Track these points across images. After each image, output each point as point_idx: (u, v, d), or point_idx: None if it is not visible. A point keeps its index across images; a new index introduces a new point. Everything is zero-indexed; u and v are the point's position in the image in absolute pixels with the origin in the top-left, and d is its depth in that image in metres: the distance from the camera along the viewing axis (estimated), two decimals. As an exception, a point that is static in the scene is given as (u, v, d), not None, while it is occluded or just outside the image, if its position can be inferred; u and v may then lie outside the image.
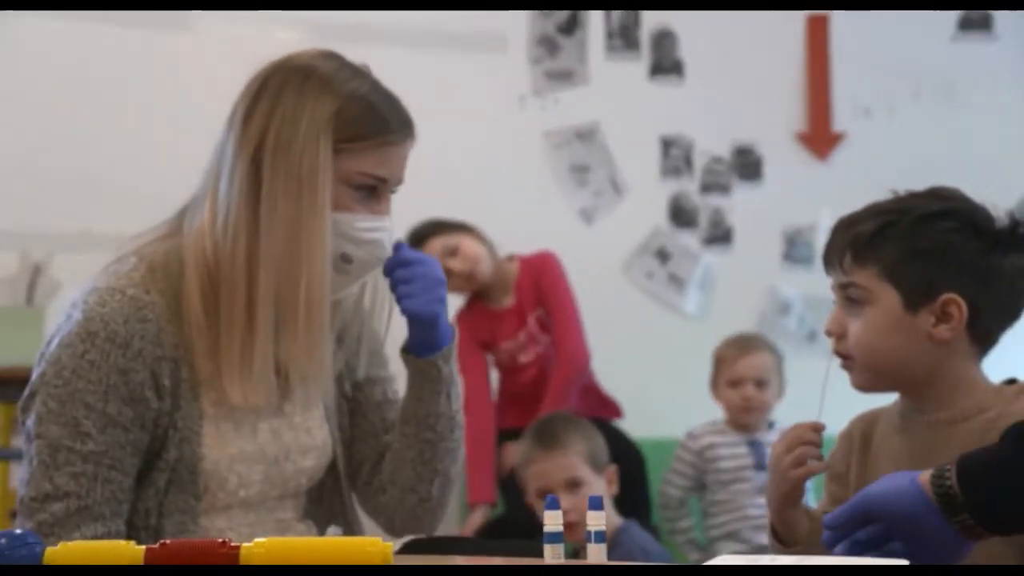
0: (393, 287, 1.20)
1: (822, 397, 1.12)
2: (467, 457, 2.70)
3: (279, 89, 1.16)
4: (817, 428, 1.10)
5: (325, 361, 1.18)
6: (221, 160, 1.17)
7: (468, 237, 2.69)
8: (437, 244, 2.69)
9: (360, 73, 1.19)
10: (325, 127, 1.14)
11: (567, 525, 1.99)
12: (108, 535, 1.12)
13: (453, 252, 2.67)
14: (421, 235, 2.71)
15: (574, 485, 2.03)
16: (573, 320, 2.70)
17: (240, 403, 1.15)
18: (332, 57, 1.20)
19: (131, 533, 1.14)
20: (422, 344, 1.22)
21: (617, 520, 2.12)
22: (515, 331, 2.73)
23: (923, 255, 1.08)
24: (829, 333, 1.12)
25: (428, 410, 1.24)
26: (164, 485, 1.15)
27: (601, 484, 2.07)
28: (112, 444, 1.12)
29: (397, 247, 1.21)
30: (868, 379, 1.11)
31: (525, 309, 2.72)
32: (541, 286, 2.71)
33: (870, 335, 1.09)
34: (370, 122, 1.17)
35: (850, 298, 1.10)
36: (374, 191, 1.18)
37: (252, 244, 1.14)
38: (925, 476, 0.95)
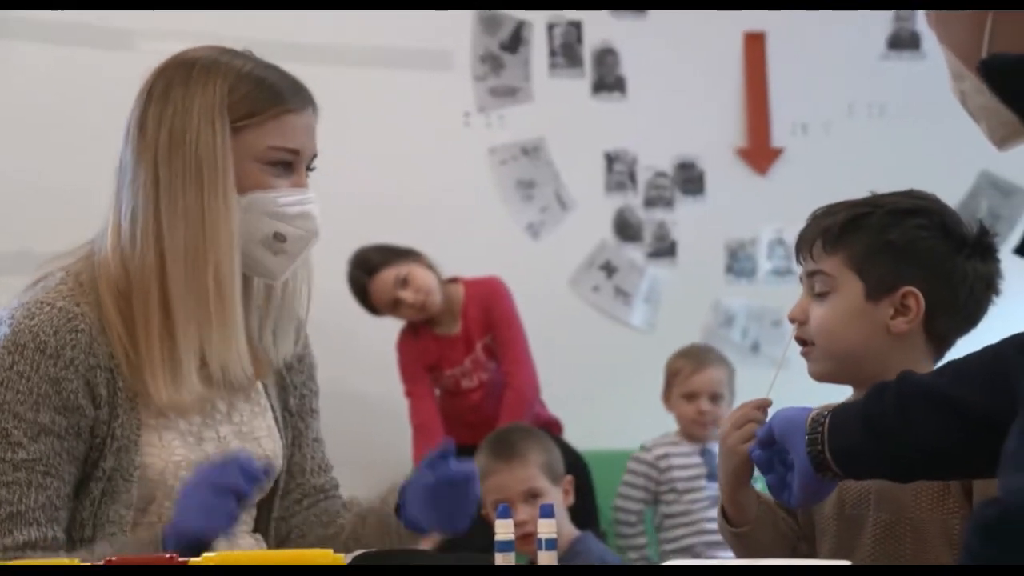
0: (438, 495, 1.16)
1: (775, 375, 1.14)
2: None
3: (165, 88, 1.17)
4: (763, 405, 1.12)
5: (242, 347, 1.17)
6: (122, 174, 1.18)
7: (418, 266, 2.69)
8: (389, 275, 2.68)
9: (243, 55, 1.21)
10: (219, 109, 1.15)
11: (525, 537, 2.00)
12: (44, 540, 1.10)
13: (404, 282, 2.67)
14: (371, 265, 2.70)
15: (533, 496, 2.03)
16: (523, 353, 2.71)
17: (167, 405, 1.15)
18: (211, 47, 1.21)
19: (68, 545, 1.13)
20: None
21: (574, 531, 2.13)
22: (461, 358, 2.73)
23: (890, 248, 1.11)
24: (792, 319, 1.14)
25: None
26: (99, 495, 1.13)
27: (558, 495, 2.08)
28: (46, 452, 1.11)
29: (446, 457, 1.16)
30: (824, 367, 1.13)
31: (472, 336, 2.72)
32: (492, 315, 2.71)
33: (830, 321, 1.11)
34: (264, 95, 1.17)
35: (816, 286, 1.13)
36: (290, 166, 1.19)
37: (158, 243, 1.15)
38: (812, 414, 1.02)
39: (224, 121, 1.15)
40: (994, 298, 1.14)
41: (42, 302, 1.14)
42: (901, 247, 1.10)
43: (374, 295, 2.70)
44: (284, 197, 1.18)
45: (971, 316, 1.13)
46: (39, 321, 1.12)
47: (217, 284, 1.15)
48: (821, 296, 1.12)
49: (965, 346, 1.15)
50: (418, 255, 2.71)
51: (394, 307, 2.69)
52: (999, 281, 1.14)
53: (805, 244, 1.13)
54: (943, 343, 1.14)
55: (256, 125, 1.16)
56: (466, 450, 2.48)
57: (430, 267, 2.71)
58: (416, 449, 2.73)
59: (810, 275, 1.13)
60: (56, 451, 1.11)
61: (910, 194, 1.14)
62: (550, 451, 2.13)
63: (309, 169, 1.22)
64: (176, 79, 1.17)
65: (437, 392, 2.79)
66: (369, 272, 2.70)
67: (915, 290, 1.10)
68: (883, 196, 1.14)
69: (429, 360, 2.74)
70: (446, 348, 2.73)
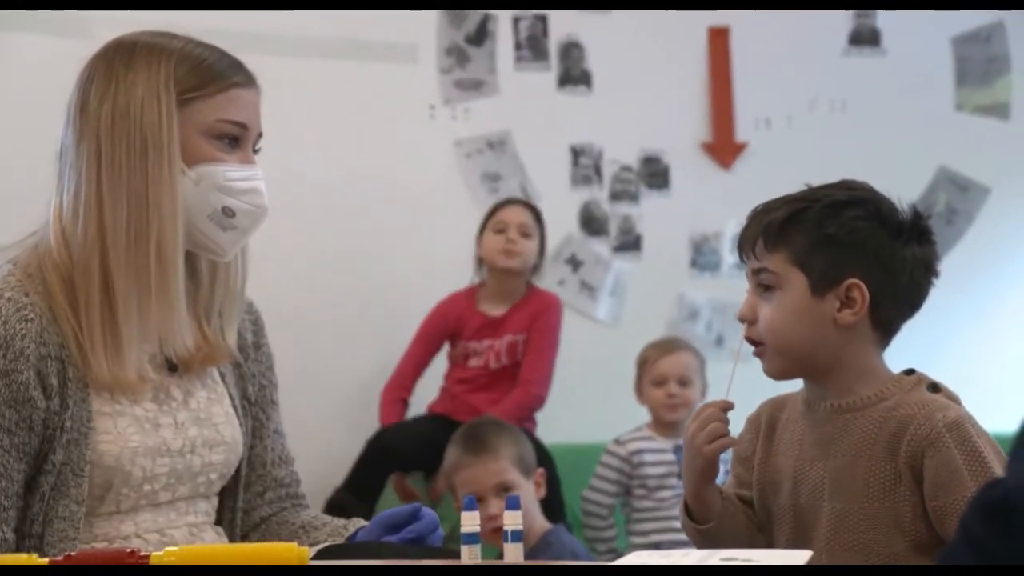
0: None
1: (731, 376, 1.16)
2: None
3: (108, 69, 1.16)
4: (726, 407, 1.14)
5: (182, 321, 1.17)
6: (63, 157, 1.17)
7: (534, 243, 2.80)
8: (523, 216, 2.81)
9: (183, 36, 1.21)
10: (164, 84, 1.15)
11: (496, 530, 2.01)
12: None
13: (524, 231, 2.79)
14: (523, 199, 2.88)
15: (504, 490, 2.04)
16: (548, 367, 2.79)
17: (110, 381, 1.14)
18: (150, 31, 1.21)
19: (18, 542, 1.11)
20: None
21: (545, 524, 2.14)
22: (481, 336, 2.80)
23: (830, 241, 1.12)
24: (742, 319, 1.15)
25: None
26: (48, 490, 1.12)
27: (530, 488, 2.09)
28: None
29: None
30: (778, 365, 1.14)
31: (508, 328, 2.79)
32: (537, 322, 2.79)
33: (779, 319, 1.13)
34: (210, 68, 1.18)
35: (762, 284, 1.14)
36: (236, 142, 1.19)
37: (100, 217, 1.14)
38: None
39: (170, 95, 1.15)
40: (934, 280, 1.16)
41: None
42: (840, 239, 1.12)
43: (503, 211, 2.81)
44: (233, 171, 1.18)
45: (913, 301, 1.15)
46: None
47: (159, 257, 1.14)
48: (767, 294, 1.13)
49: (910, 331, 1.17)
50: (543, 239, 2.84)
51: (497, 231, 2.79)
52: (937, 263, 1.16)
53: (747, 243, 1.15)
54: (889, 330, 1.16)
55: (204, 98, 1.16)
56: (440, 421, 2.60)
57: (538, 260, 2.83)
58: (383, 411, 2.79)
59: (755, 273, 1.15)
60: (5, 448, 1.10)
61: (844, 185, 1.16)
62: (521, 444, 2.14)
63: (255, 150, 1.22)
64: (118, 60, 1.17)
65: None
66: (519, 201, 2.87)
67: (859, 281, 1.11)
68: (818, 189, 1.16)
69: (454, 325, 2.81)
70: (476, 319, 2.80)
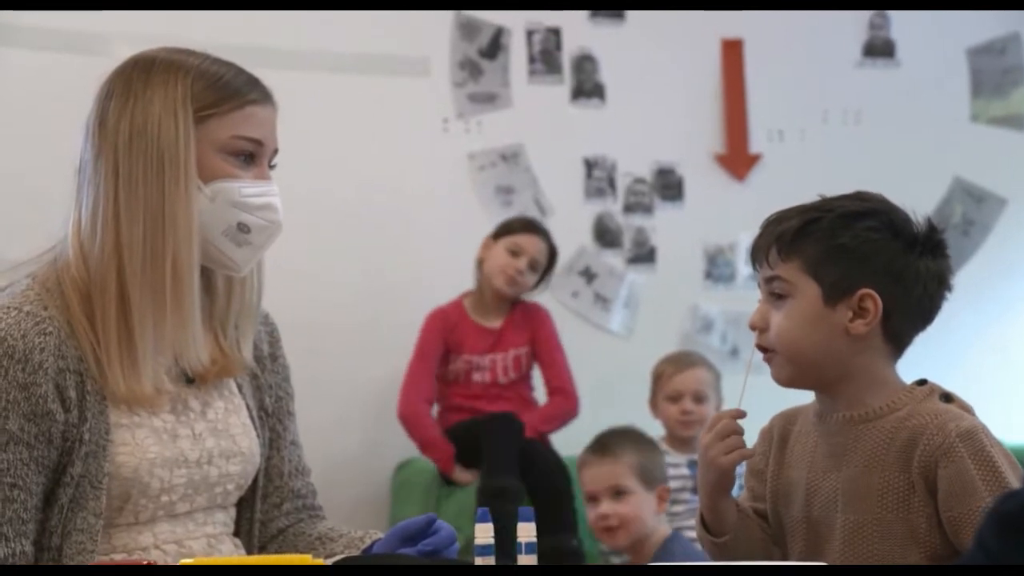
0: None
1: (743, 385, 1.16)
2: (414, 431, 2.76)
3: (126, 86, 1.18)
4: (738, 415, 1.14)
5: (197, 336, 1.18)
6: (82, 172, 1.19)
7: (536, 277, 2.81)
8: (539, 248, 2.81)
9: (200, 53, 1.22)
10: (181, 101, 1.16)
11: (606, 530, 2.19)
12: (12, 556, 1.10)
13: (533, 265, 2.80)
14: (544, 229, 2.86)
15: (618, 493, 2.13)
16: (569, 373, 2.83)
17: (126, 395, 1.15)
18: (168, 48, 1.22)
19: (36, 554, 1.12)
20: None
21: (666, 530, 2.20)
22: (482, 349, 2.80)
23: (843, 251, 1.13)
24: (753, 327, 1.16)
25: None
26: (67, 503, 1.13)
27: (650, 500, 2.16)
28: (14, 462, 1.11)
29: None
30: (788, 373, 1.15)
31: (508, 340, 2.81)
32: (539, 333, 2.82)
33: (790, 327, 1.13)
34: (227, 85, 1.19)
35: (774, 292, 1.15)
36: (252, 158, 1.20)
37: (117, 233, 1.15)
38: None
39: (187, 112, 1.16)
40: (947, 294, 1.16)
41: (8, 307, 1.14)
42: (853, 250, 1.12)
43: (524, 237, 2.79)
44: (248, 187, 1.19)
45: (926, 314, 1.16)
46: (6, 325, 1.12)
47: (175, 273, 1.15)
48: (779, 302, 1.14)
49: (924, 341, 1.17)
50: (551, 270, 2.87)
51: (511, 253, 2.79)
52: (951, 277, 1.16)
53: (760, 251, 1.16)
54: (901, 343, 1.16)
55: (220, 115, 1.18)
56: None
57: (531, 289, 2.84)
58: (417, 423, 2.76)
59: (768, 281, 1.15)
60: (24, 461, 1.11)
61: (858, 196, 1.17)
62: (647, 455, 2.24)
63: (271, 166, 1.23)
64: (136, 76, 1.18)
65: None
66: (542, 231, 2.84)
67: (872, 292, 1.12)
68: (832, 200, 1.16)
69: (450, 337, 2.81)
70: (473, 331, 2.81)
